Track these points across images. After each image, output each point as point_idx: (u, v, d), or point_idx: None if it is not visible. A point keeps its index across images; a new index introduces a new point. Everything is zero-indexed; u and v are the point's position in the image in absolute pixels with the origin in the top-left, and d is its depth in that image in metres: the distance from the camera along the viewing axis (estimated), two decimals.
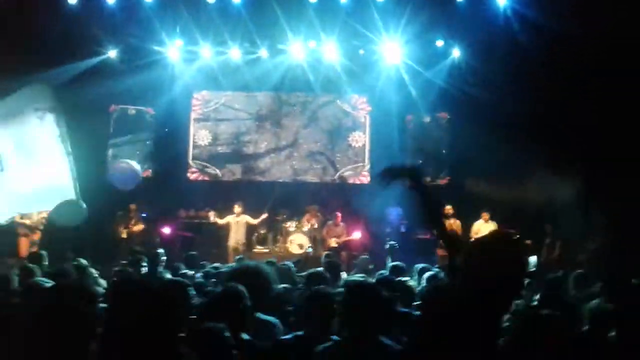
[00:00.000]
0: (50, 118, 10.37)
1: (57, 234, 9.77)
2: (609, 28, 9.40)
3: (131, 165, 11.29)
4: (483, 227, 10.64)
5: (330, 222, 11.74)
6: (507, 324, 3.27)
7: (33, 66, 10.43)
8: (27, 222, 10.29)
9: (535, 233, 10.08)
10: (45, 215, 10.17)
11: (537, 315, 3.32)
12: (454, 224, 10.89)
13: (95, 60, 11.85)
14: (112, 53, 12.08)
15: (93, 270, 6.51)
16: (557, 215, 10.15)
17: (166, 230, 11.50)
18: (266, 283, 3.63)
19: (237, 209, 11.42)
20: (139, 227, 11.24)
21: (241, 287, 3.27)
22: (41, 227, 10.27)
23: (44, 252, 7.04)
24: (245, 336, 3.16)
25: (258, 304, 3.42)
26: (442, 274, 5.50)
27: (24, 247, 10.01)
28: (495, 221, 10.69)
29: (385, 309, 3.26)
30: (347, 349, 2.96)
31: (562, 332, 3.34)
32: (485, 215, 10.71)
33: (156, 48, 12.05)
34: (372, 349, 2.93)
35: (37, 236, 10.28)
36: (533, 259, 8.88)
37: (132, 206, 11.33)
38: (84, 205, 9.98)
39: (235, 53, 12.29)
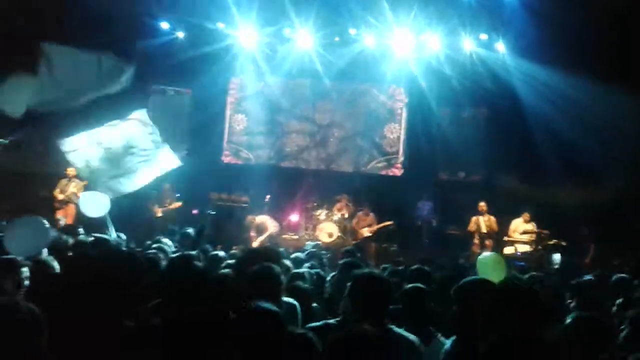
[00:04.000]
0: None
1: None
2: None
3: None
4: (521, 225, 10.50)
5: (360, 212, 11.70)
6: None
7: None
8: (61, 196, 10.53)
9: (571, 235, 9.94)
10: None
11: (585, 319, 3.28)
12: (488, 220, 10.80)
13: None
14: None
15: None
16: (595, 218, 10.00)
17: None
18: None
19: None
20: (175, 204, 11.34)
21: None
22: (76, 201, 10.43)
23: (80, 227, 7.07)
24: None
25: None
26: None
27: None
28: (535, 222, 10.50)
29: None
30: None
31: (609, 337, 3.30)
32: (526, 215, 10.50)
33: (206, 28, 12.01)
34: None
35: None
36: (557, 256, 8.90)
37: (167, 185, 11.43)
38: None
39: (276, 39, 12.24)
